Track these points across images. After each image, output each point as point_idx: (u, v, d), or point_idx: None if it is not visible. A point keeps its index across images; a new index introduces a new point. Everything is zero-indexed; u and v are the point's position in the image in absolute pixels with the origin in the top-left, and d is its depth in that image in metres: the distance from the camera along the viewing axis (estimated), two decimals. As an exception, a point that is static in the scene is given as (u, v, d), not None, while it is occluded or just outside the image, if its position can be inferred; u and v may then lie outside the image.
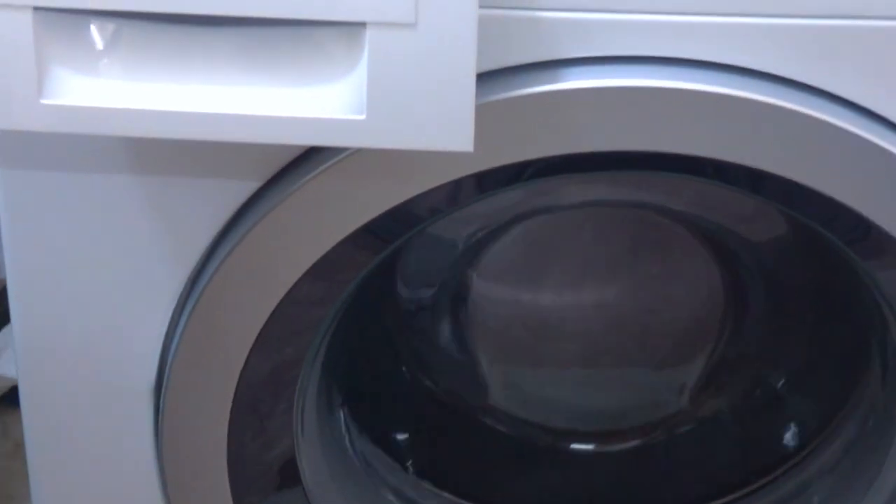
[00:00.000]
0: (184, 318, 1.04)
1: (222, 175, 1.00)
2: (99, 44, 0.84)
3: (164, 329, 1.06)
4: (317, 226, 1.00)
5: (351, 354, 1.24)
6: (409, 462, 1.28)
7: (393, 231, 1.01)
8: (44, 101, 0.84)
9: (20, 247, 1.04)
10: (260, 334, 1.03)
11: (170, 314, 1.06)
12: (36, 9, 0.81)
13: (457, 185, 0.98)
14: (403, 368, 1.33)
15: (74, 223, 1.03)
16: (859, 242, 1.00)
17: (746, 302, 1.31)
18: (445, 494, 1.29)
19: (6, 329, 1.68)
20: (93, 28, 0.84)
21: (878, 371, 1.20)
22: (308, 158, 0.99)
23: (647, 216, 1.25)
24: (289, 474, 1.13)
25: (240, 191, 1.01)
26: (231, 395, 1.06)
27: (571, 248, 1.30)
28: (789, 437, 1.29)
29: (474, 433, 1.35)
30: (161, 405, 1.06)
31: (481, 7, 0.83)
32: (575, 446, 1.36)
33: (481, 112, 0.88)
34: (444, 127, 0.84)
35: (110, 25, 0.84)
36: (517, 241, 1.28)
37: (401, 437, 1.30)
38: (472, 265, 1.30)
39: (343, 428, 1.24)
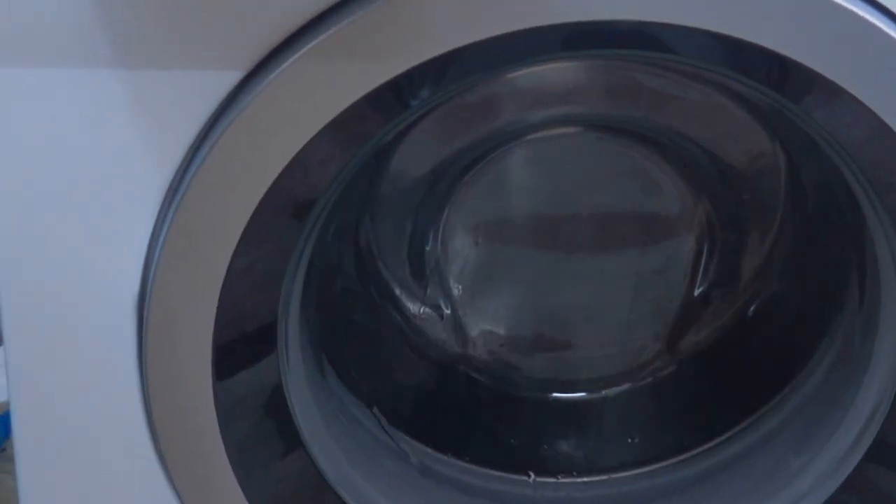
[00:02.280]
0: (167, 222, 1.03)
1: (205, 66, 1.00)
2: None
3: (147, 237, 1.05)
4: (299, 113, 0.99)
5: (329, 297, 1.24)
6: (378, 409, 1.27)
7: (377, 117, 1.01)
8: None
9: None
10: (243, 234, 1.02)
11: (153, 221, 1.05)
12: None
13: (440, 63, 0.99)
14: (379, 310, 1.32)
15: (55, 124, 1.01)
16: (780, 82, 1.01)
17: (721, 235, 1.32)
18: (428, 449, 1.28)
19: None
20: None
21: (855, 293, 1.21)
22: (289, 44, 0.99)
23: (623, 146, 1.27)
24: (275, 397, 1.11)
25: (222, 82, 1.01)
26: (215, 303, 1.04)
27: (545, 184, 1.31)
28: (770, 373, 1.29)
29: (453, 384, 1.34)
30: (144, 316, 1.05)
31: None
32: (559, 395, 1.35)
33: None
34: None
35: None
36: (490, 179, 1.29)
37: (373, 383, 1.28)
38: (447, 204, 1.31)
39: (322, 369, 1.22)
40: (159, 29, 0.99)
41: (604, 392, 1.35)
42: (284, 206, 1.02)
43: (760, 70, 1.01)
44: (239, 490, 1.08)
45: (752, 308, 1.33)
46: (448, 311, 1.35)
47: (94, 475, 1.11)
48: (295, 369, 1.11)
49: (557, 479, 1.28)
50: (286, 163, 1.00)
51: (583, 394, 1.36)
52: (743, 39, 0.98)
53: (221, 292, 1.03)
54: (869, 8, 0.99)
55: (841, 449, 1.17)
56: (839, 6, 0.97)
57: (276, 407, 1.09)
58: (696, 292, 1.35)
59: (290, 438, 1.10)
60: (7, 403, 1.10)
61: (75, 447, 1.10)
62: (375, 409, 1.25)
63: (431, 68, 0.98)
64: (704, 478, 1.27)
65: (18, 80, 1.00)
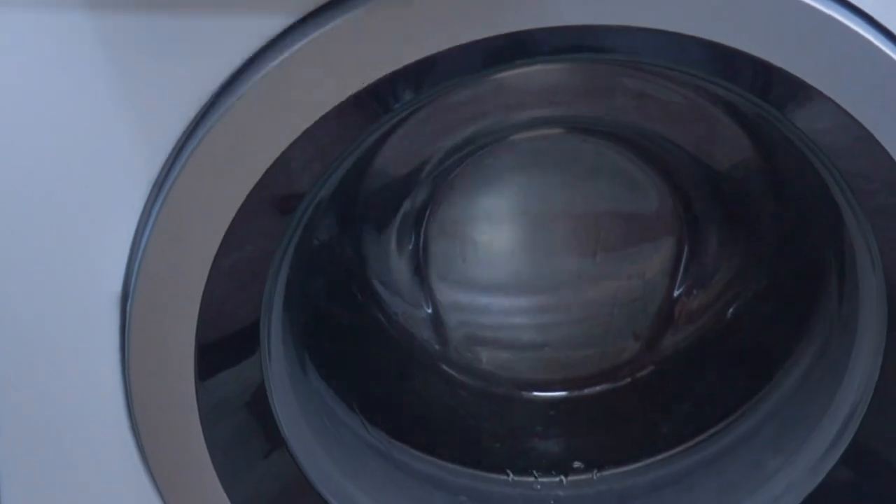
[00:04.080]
0: (151, 220, 1.03)
1: (191, 64, 1.01)
2: None
3: (130, 236, 1.05)
4: (283, 114, 0.99)
5: (312, 296, 1.24)
6: (359, 407, 1.27)
7: (360, 119, 1.02)
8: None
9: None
10: (227, 234, 1.02)
11: (137, 220, 1.05)
12: None
13: (422, 67, 0.99)
14: (361, 309, 1.33)
15: (39, 121, 1.02)
16: (763, 88, 1.02)
17: (701, 236, 1.33)
18: (409, 447, 1.28)
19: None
20: None
21: (834, 296, 1.22)
22: (274, 46, 0.99)
23: (606, 147, 1.28)
24: (257, 397, 1.11)
25: (208, 81, 1.01)
26: (198, 302, 1.05)
27: (528, 185, 1.32)
28: (749, 373, 1.30)
29: (434, 382, 1.35)
30: (127, 315, 1.05)
31: None
32: (539, 394, 1.36)
33: None
34: None
35: None
36: (474, 180, 1.30)
37: (354, 382, 1.28)
38: (430, 203, 1.31)
39: (304, 368, 1.23)
40: (147, 27, 0.99)
41: (584, 391, 1.36)
42: (268, 206, 1.03)
43: (744, 76, 1.01)
44: (221, 490, 1.08)
45: (731, 309, 1.34)
46: (429, 310, 1.35)
47: (77, 474, 1.11)
48: (277, 368, 1.12)
49: (535, 477, 1.29)
50: (270, 164, 1.00)
51: (562, 393, 1.36)
52: (727, 45, 0.98)
53: (204, 292, 1.04)
54: (852, 16, 0.99)
55: (818, 451, 1.17)
56: (823, 13, 0.98)
57: (258, 407, 1.10)
58: (676, 293, 1.36)
59: (273, 438, 1.10)
60: (-13, 399, 1.10)
61: (57, 446, 1.10)
62: (355, 407, 1.26)
63: (413, 72, 0.98)
64: (682, 477, 1.28)
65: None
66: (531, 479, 1.29)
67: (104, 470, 1.11)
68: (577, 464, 1.29)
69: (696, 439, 1.29)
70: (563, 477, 1.29)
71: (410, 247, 1.33)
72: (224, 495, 1.08)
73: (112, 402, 1.08)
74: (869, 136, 1.01)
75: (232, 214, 1.01)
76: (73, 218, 1.04)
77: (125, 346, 1.05)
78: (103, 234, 1.04)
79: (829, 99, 1.00)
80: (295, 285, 1.15)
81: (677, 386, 1.36)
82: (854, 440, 1.15)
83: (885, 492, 1.17)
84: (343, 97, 0.98)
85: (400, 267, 1.34)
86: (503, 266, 1.35)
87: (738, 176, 1.28)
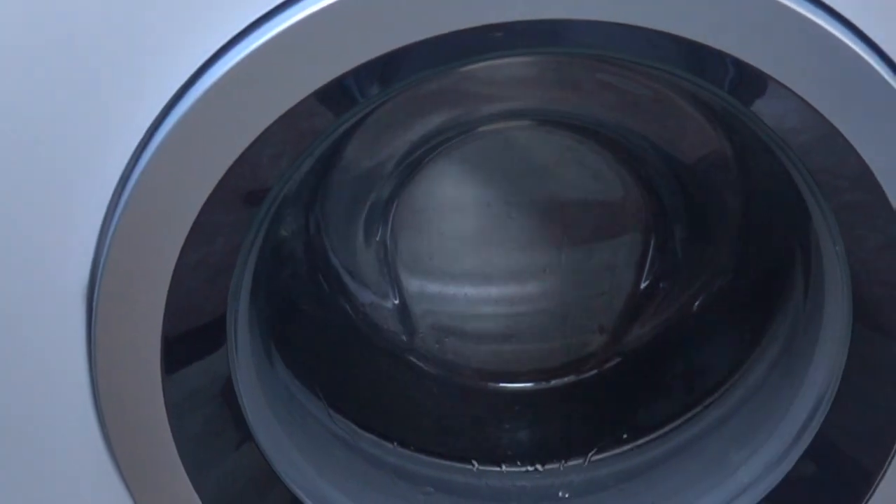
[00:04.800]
0: (117, 213, 1.03)
1: (157, 58, 1.00)
2: None
3: (97, 228, 1.04)
4: (249, 108, 0.99)
5: (279, 287, 1.24)
6: (325, 398, 1.27)
7: (326, 113, 1.01)
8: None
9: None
10: (193, 227, 1.02)
11: (104, 212, 1.04)
12: None
13: (387, 60, 0.99)
14: (328, 300, 1.33)
15: (5, 112, 1.01)
16: (732, 84, 1.02)
17: (667, 229, 1.34)
18: (374, 438, 1.29)
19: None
20: None
21: (799, 290, 1.22)
22: (240, 39, 0.99)
23: (573, 140, 1.28)
24: (224, 390, 1.11)
25: (174, 75, 1.01)
26: (165, 296, 1.04)
27: (495, 177, 1.32)
28: (714, 366, 1.31)
29: (400, 373, 1.35)
30: (94, 308, 1.05)
31: None
32: (505, 385, 1.36)
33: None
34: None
35: None
36: (441, 171, 1.30)
37: (321, 372, 1.28)
38: (398, 195, 1.31)
39: (271, 359, 1.23)
40: (112, 21, 0.98)
41: (550, 383, 1.37)
42: (234, 200, 1.02)
43: (712, 72, 1.01)
44: (189, 483, 1.08)
45: (696, 302, 1.34)
46: (396, 301, 1.35)
47: (43, 468, 1.10)
48: (244, 361, 1.11)
49: (501, 468, 1.29)
50: (236, 157, 1.00)
51: (529, 384, 1.37)
52: (695, 41, 0.99)
53: (171, 286, 1.03)
54: (821, 12, 1.00)
55: (782, 444, 1.18)
56: (791, 10, 0.98)
57: (225, 399, 1.09)
58: (642, 286, 1.36)
59: (240, 431, 1.10)
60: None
61: (23, 440, 1.09)
62: (322, 398, 1.26)
63: (379, 65, 0.98)
64: (646, 469, 1.28)
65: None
66: (497, 469, 1.30)
67: (71, 464, 1.10)
68: (538, 465, 1.29)
69: (662, 431, 1.30)
70: (528, 467, 1.30)
71: (378, 238, 1.33)
72: (191, 489, 1.08)
73: (79, 396, 1.08)
74: (836, 133, 1.02)
75: (198, 208, 1.01)
76: (39, 211, 1.03)
77: (91, 339, 1.05)
78: (69, 228, 1.04)
79: (797, 95, 1.00)
80: (262, 277, 1.15)
81: (643, 378, 1.36)
82: (818, 434, 1.15)
83: (848, 486, 1.18)
84: (309, 91, 0.98)
85: (367, 258, 1.34)
86: (470, 258, 1.36)
87: (706, 169, 1.29)
